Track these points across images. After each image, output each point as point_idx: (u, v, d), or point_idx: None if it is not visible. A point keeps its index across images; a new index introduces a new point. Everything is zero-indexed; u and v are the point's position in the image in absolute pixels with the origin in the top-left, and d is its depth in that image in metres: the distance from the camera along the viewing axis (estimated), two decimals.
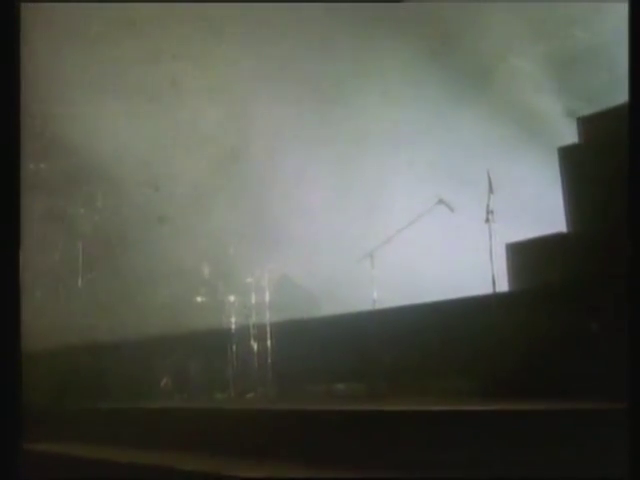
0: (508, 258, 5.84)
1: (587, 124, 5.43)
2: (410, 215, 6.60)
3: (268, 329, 7.50)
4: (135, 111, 8.06)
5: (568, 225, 5.42)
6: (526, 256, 5.67)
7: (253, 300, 7.68)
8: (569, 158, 5.41)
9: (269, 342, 7.44)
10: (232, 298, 7.77)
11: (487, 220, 5.76)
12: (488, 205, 5.79)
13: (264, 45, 8.10)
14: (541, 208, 7.02)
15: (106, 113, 8.00)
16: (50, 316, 7.52)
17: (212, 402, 7.09)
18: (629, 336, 3.25)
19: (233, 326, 7.67)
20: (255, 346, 7.50)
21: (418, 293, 7.25)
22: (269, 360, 7.37)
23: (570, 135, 5.62)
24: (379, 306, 6.57)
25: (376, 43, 7.99)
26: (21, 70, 3.58)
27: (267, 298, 7.64)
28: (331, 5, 7.72)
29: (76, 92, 7.94)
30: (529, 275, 5.61)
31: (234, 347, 7.57)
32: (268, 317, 7.57)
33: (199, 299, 8.00)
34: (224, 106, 8.30)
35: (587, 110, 5.75)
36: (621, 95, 5.01)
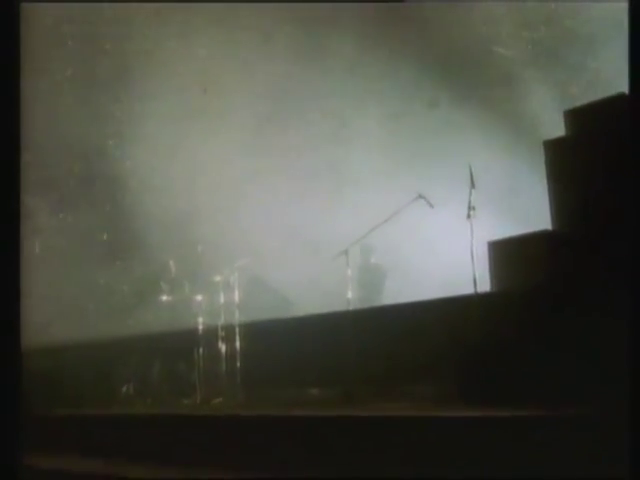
0: (490, 257, 5.75)
1: (574, 117, 5.36)
2: (387, 211, 6.56)
3: (237, 330, 7.41)
4: None
5: (553, 223, 5.36)
6: (509, 255, 5.60)
7: (222, 300, 7.58)
8: (555, 152, 5.35)
9: (238, 344, 7.36)
10: (199, 297, 7.67)
11: (468, 216, 5.72)
12: (470, 201, 5.76)
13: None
14: (525, 204, 7.08)
15: None
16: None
17: (177, 408, 6.96)
18: (630, 333, 3.29)
19: (200, 327, 7.55)
20: (223, 348, 7.42)
21: (396, 293, 7.30)
22: (238, 363, 7.29)
23: (557, 128, 5.60)
24: (354, 306, 6.55)
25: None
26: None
27: (236, 298, 7.53)
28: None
29: None
30: (512, 275, 5.54)
31: (201, 350, 7.47)
32: (237, 318, 7.47)
33: (164, 298, 7.90)
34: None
35: (575, 102, 5.73)
36: (609, 87, 5.03)
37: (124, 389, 7.64)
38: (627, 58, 3.54)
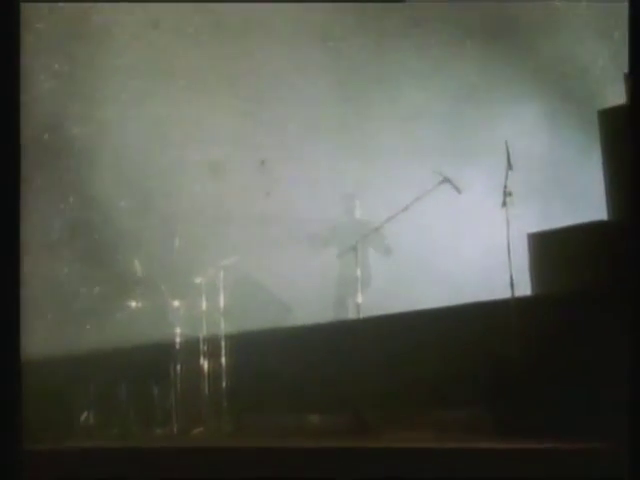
0: (531, 253, 5.80)
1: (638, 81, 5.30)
2: (406, 198, 6.52)
3: (223, 343, 7.37)
4: None
5: (610, 211, 5.34)
6: (555, 250, 5.62)
7: (204, 306, 7.52)
8: (613, 124, 5.31)
9: (224, 360, 7.32)
10: (176, 303, 7.62)
11: (504, 204, 5.67)
12: (506, 185, 5.70)
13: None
14: (575, 189, 7.03)
15: None
16: None
17: (148, 440, 6.92)
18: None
19: (178, 339, 7.50)
20: (205, 366, 7.36)
21: (415, 297, 7.33)
22: (224, 384, 7.24)
23: (615, 95, 5.55)
24: (365, 314, 6.52)
25: None
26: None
27: (222, 303, 7.49)
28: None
29: None
30: (558, 275, 5.56)
31: (178, 367, 7.41)
32: (223, 328, 7.42)
33: (133, 304, 7.81)
34: None
35: None
36: None
37: (83, 417, 7.54)
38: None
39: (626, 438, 3.46)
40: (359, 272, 6.64)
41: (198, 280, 7.57)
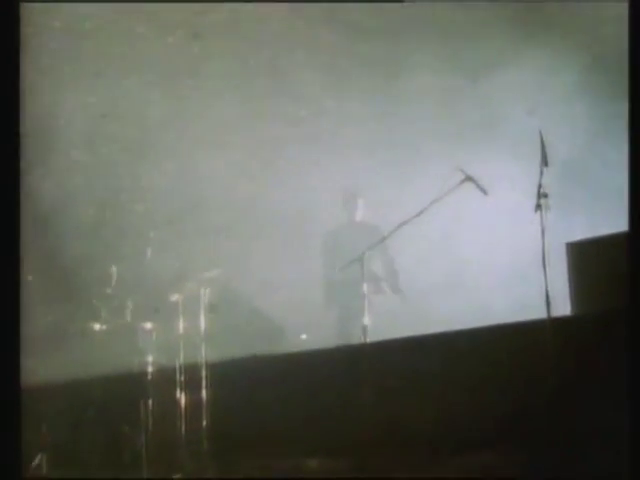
0: (570, 265, 5.80)
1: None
2: (422, 199, 6.45)
3: (204, 373, 7.32)
4: None
5: None
6: (598, 262, 5.59)
7: (181, 328, 7.46)
8: None
9: (204, 393, 7.26)
10: (149, 325, 7.55)
11: (538, 207, 5.61)
12: (540, 185, 5.64)
13: None
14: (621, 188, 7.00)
15: None
16: None
17: None
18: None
19: (149, 369, 7.43)
20: (183, 400, 7.31)
21: (430, 318, 7.34)
22: (204, 422, 7.19)
23: None
24: (373, 338, 6.48)
25: None
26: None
27: (202, 325, 7.42)
28: None
29: None
30: (602, 291, 5.51)
31: (150, 402, 7.31)
32: (203, 354, 7.37)
33: (97, 327, 7.72)
34: None
35: None
36: None
37: (35, 462, 7.37)
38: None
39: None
40: (365, 288, 6.58)
41: (174, 297, 7.51)
